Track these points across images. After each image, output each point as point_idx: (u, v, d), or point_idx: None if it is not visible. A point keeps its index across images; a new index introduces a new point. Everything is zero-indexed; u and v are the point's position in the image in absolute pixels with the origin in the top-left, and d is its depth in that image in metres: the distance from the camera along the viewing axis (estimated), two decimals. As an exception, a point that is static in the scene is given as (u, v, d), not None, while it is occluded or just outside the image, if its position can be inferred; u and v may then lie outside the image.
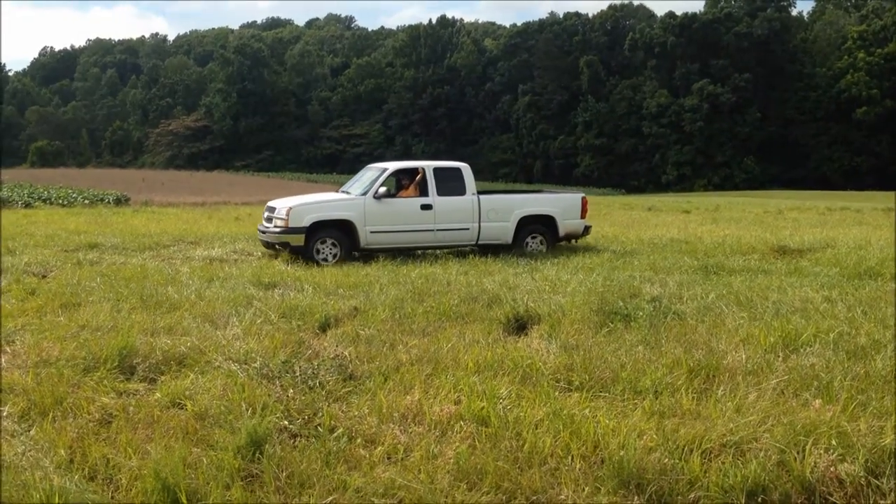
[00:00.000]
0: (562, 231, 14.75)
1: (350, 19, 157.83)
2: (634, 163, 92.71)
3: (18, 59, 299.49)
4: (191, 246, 15.48)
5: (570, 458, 4.27)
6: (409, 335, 7.07)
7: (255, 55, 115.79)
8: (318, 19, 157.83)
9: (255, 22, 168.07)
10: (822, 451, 4.20)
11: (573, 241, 15.27)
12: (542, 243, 14.64)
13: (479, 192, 14.62)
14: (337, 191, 15.55)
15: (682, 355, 6.07)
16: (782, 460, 4.15)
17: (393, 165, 15.12)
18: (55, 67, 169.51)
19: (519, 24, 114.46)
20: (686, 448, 4.32)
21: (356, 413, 5.01)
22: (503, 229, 14.41)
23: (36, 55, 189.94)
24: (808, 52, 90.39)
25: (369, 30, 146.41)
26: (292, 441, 4.56)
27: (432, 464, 4.19)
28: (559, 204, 15.10)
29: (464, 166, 14.85)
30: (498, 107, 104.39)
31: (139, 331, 6.95)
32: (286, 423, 4.81)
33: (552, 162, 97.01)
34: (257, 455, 4.26)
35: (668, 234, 18.97)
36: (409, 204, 14.14)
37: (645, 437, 4.44)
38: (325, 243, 13.49)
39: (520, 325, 7.52)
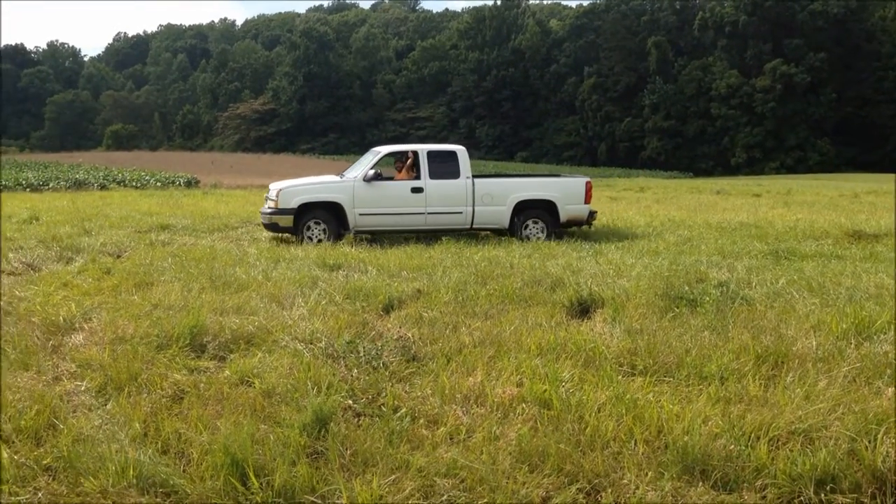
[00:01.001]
0: (563, 216, 14.38)
1: (415, 1, 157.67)
2: (703, 145, 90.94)
3: (94, 45, 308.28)
4: (258, 227, 15.76)
5: (632, 442, 4.24)
6: (472, 317, 7.08)
7: (321, 39, 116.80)
8: (383, 2, 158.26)
9: (322, 6, 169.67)
10: (893, 440, 4.08)
11: (585, 227, 14.91)
12: (542, 230, 14.31)
13: (479, 176, 14.62)
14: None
15: (749, 341, 5.95)
16: (853, 449, 4.05)
17: (386, 149, 15.19)
18: (129, 53, 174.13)
19: (585, 4, 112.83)
20: (753, 435, 4.25)
21: (419, 394, 5.05)
22: (499, 213, 14.27)
23: (110, 40, 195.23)
24: (886, 31, 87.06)
25: (434, 12, 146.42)
26: (356, 420, 4.63)
27: (494, 445, 4.20)
28: (560, 188, 14.71)
29: (460, 149, 14.68)
30: (563, 89, 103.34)
31: (209, 310, 7.11)
32: (350, 402, 4.88)
33: (617, 144, 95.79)
34: (322, 433, 4.34)
35: (738, 217, 18.56)
36: (399, 187, 14.23)
37: (710, 423, 4.37)
38: (315, 225, 13.76)
39: (583, 309, 7.47)
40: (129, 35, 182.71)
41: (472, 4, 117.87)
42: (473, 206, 14.12)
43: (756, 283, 8.58)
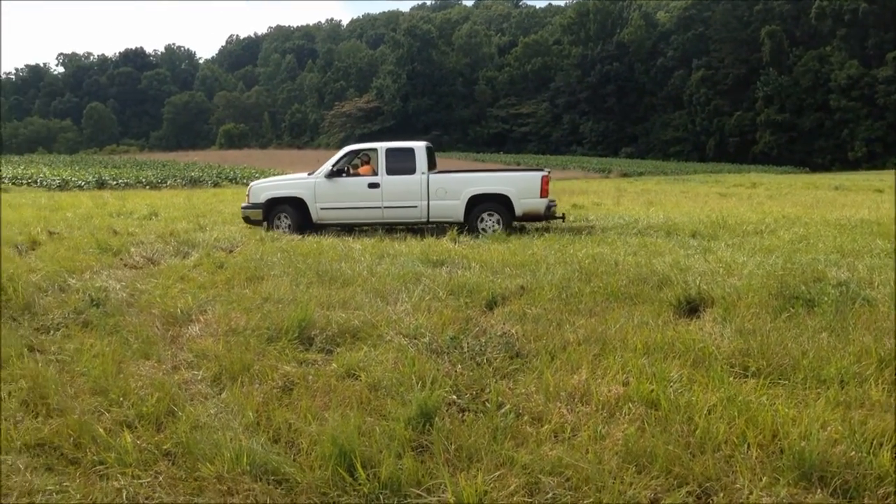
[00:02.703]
0: (518, 210, 14.56)
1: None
2: (819, 139, 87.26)
3: (208, 47, 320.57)
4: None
5: (745, 446, 4.10)
6: (576, 315, 7.00)
7: (425, 36, 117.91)
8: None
9: (425, 4, 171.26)
10: None
11: (546, 220, 15.08)
12: (498, 222, 14.56)
13: (440, 172, 15.33)
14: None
15: (871, 344, 5.66)
16: None
17: (349, 147, 16.04)
18: (240, 54, 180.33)
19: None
20: (875, 442, 4.04)
21: (523, 390, 5.02)
22: (453, 207, 14.70)
23: (223, 43, 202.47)
24: None
25: (537, 7, 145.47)
26: (460, 415, 4.64)
27: (600, 444, 4.14)
28: (514, 183, 14.84)
29: (418, 146, 15.14)
30: (669, 83, 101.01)
31: (316, 304, 7.28)
32: (454, 397, 4.90)
33: (727, 139, 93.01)
34: (427, 427, 4.37)
35: (858, 214, 17.68)
36: (357, 183, 15.05)
37: (829, 429, 4.18)
38: (281, 218, 15.06)
39: (691, 308, 7.27)
40: (241, 37, 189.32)
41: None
42: (428, 200, 14.73)
43: (879, 283, 8.14)
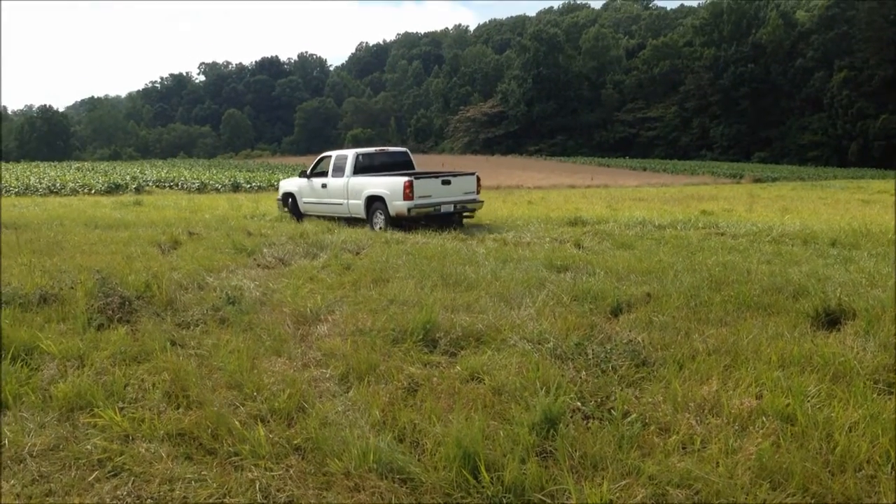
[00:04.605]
0: (391, 211, 16.10)
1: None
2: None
3: (338, 54, 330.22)
4: (485, 229, 16.09)
5: (889, 466, 3.86)
6: (706, 324, 6.79)
7: (551, 41, 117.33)
8: (615, 1, 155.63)
9: (552, 8, 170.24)
10: None
11: (410, 223, 16.34)
12: (385, 221, 16.33)
13: (372, 175, 17.21)
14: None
15: None
16: None
17: (322, 154, 19.43)
18: (369, 61, 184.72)
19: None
20: None
21: (650, 400, 4.91)
22: (358, 206, 17.01)
23: (353, 50, 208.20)
24: None
25: (668, 9, 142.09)
26: (585, 422, 4.58)
27: (731, 458, 4.00)
28: (389, 186, 16.28)
29: (351, 153, 17.92)
30: (808, 84, 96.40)
31: (440, 307, 7.36)
32: (579, 404, 4.84)
33: (871, 143, 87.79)
34: (551, 433, 4.34)
35: None
36: (317, 182, 18.46)
37: (984, 454, 3.88)
38: (289, 205, 19.43)
39: (831, 320, 6.90)
40: (370, 44, 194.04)
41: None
42: (348, 199, 17.26)
43: None
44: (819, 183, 55.03)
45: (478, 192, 17.10)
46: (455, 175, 17.08)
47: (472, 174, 17.16)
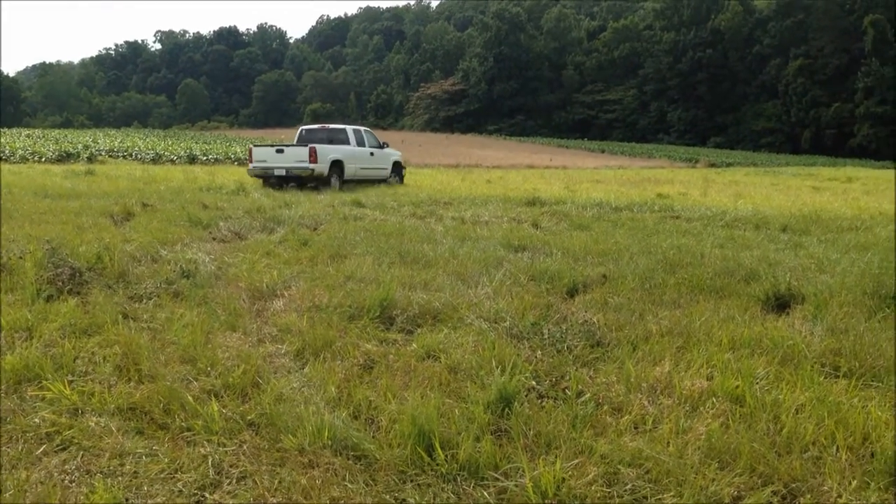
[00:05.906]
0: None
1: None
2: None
3: (298, 27, 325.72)
4: (443, 206, 16.08)
5: (834, 447, 3.96)
6: (659, 306, 6.87)
7: (513, 20, 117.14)
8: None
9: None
10: None
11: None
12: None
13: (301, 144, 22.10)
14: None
15: (974, 351, 5.39)
16: None
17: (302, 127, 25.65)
18: (330, 34, 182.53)
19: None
20: (975, 452, 3.85)
21: (603, 380, 4.97)
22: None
23: (314, 23, 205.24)
24: None
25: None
26: (539, 401, 4.62)
27: (682, 438, 4.06)
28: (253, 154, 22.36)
29: (302, 130, 24.91)
30: (765, 71, 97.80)
31: (398, 284, 7.33)
32: (534, 383, 4.87)
33: (823, 131, 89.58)
34: (506, 411, 4.36)
35: (961, 214, 16.81)
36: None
37: (925, 436, 4.00)
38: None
39: (780, 304, 7.05)
40: (331, 17, 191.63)
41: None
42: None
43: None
44: (772, 169, 56.03)
45: (311, 162, 21.24)
46: (288, 146, 22.03)
47: (306, 146, 21.35)
